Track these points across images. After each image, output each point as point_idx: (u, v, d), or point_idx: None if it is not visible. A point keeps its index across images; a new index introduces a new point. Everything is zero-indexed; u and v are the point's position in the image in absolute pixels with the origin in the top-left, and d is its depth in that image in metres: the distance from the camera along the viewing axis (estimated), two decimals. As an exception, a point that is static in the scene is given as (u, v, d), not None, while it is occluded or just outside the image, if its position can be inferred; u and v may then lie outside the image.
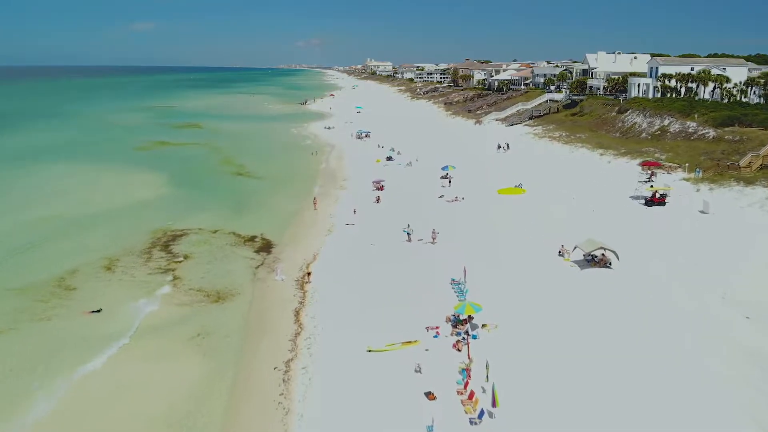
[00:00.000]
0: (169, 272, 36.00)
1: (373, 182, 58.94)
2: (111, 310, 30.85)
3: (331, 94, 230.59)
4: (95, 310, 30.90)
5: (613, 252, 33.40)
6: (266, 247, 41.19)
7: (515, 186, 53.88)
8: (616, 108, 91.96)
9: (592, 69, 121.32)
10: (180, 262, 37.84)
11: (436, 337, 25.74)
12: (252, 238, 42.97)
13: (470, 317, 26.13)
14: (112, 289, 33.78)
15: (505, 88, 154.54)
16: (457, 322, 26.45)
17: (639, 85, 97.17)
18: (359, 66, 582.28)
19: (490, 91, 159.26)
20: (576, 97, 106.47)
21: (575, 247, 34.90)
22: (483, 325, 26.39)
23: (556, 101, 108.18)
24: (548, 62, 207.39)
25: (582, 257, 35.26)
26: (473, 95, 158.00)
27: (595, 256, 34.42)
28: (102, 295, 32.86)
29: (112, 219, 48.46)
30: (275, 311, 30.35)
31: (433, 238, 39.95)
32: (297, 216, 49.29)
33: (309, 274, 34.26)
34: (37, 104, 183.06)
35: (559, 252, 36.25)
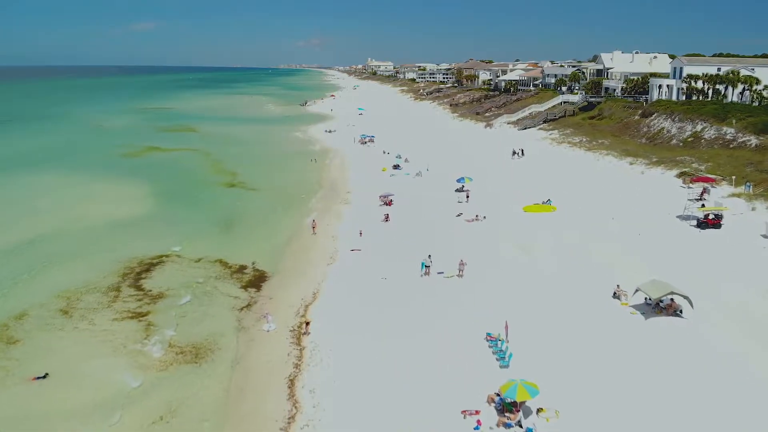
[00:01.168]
0: (137, 318, 29.49)
1: (380, 197, 52.45)
2: (59, 376, 24.40)
3: (332, 95, 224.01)
4: (40, 375, 24.47)
5: (686, 298, 26.91)
6: (257, 280, 34.68)
7: (543, 203, 47.38)
8: (639, 111, 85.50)
9: (608, 69, 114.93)
10: (152, 302, 31.36)
11: (477, 429, 19.24)
12: (241, 269, 36.43)
13: (523, 402, 19.65)
14: (66, 343, 27.30)
15: (512, 89, 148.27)
16: (504, 406, 19.91)
17: (661, 86, 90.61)
18: (360, 66, 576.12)
19: (497, 92, 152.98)
20: (593, 99, 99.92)
21: (637, 290, 28.40)
22: (539, 410, 19.91)
23: (572, 103, 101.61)
24: (552, 62, 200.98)
25: (643, 300, 28.80)
26: (480, 96, 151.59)
27: (662, 301, 27.92)
28: (52, 351, 26.41)
29: (80, 242, 41.94)
30: (263, 379, 23.82)
31: (460, 271, 33.45)
32: (294, 239, 42.78)
33: (307, 324, 27.70)
34: (26, 106, 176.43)
35: (615, 293, 29.76)
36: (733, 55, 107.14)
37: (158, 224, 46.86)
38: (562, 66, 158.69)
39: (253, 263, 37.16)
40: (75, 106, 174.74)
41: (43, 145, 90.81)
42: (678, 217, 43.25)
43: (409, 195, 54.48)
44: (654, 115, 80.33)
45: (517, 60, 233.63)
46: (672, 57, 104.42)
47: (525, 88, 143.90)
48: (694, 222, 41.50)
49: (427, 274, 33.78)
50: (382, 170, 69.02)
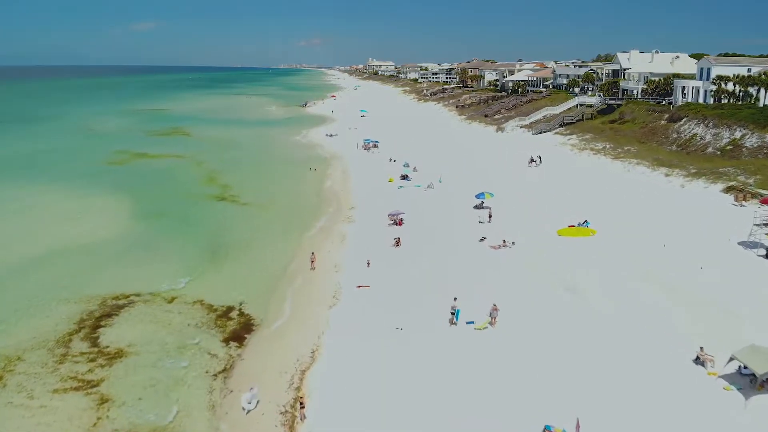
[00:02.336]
0: (85, 389, 23.09)
1: (389, 215, 46.08)
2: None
3: (333, 96, 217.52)
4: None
5: (802, 372, 20.52)
6: (243, 330, 28.27)
7: (579, 224, 40.96)
8: (666, 115, 79.01)
9: (625, 69, 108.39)
10: (108, 363, 24.97)
11: None
12: (225, 314, 30.00)
13: None
14: (-12, 427, 20.95)
15: (520, 90, 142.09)
16: None
17: (687, 88, 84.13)
18: (360, 66, 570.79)
19: (504, 93, 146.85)
20: (613, 101, 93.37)
21: (731, 359, 22.01)
22: None
23: (590, 106, 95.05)
24: (556, 62, 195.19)
25: (736, 368, 22.42)
26: (487, 97, 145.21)
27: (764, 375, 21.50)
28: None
29: (34, 275, 35.45)
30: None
31: (493, 320, 27.09)
32: (290, 271, 36.31)
33: (302, 405, 21.17)
34: (18, 107, 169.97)
35: (697, 358, 23.37)
36: (764, 56, 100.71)
37: (132, 251, 40.43)
38: (574, 66, 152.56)
39: (240, 305, 30.79)
40: (69, 107, 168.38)
41: (25, 151, 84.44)
42: (741, 244, 36.80)
43: (421, 212, 48.08)
44: (683, 120, 73.84)
45: (520, 60, 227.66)
46: (697, 57, 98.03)
47: (534, 89, 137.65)
48: (763, 251, 35.06)
49: (453, 323, 27.39)
50: (389, 181, 62.67)
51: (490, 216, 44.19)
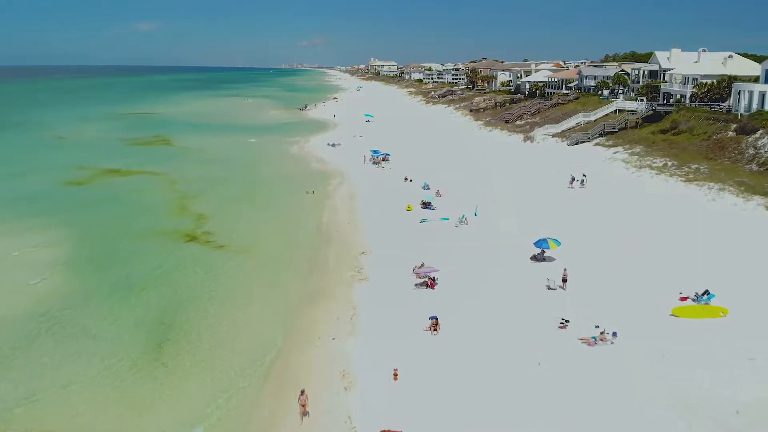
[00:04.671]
0: None
1: (415, 271, 33.25)
2: None
3: (335, 98, 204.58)
4: None
5: None
6: None
7: (698, 297, 28.05)
8: (733, 125, 66.02)
9: (666, 70, 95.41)
10: None
11: None
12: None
13: None
14: None
15: (538, 92, 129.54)
16: None
17: (750, 93, 71.15)
18: (362, 66, 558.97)
19: (520, 96, 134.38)
20: (661, 107, 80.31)
21: None
22: None
23: (633, 112, 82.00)
24: (564, 62, 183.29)
25: None
26: (503, 100, 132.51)
27: None
28: None
29: None
30: None
31: None
32: (266, 418, 23.11)
33: None
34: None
35: None
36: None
37: (40, 339, 27.48)
38: (598, 65, 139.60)
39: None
40: (47, 111, 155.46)
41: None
42: None
43: (457, 263, 35.15)
44: (759, 132, 60.90)
45: (525, 59, 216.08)
46: (760, 59, 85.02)
47: (556, 91, 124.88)
48: None
49: None
50: (407, 209, 49.84)
51: (565, 280, 30.98)
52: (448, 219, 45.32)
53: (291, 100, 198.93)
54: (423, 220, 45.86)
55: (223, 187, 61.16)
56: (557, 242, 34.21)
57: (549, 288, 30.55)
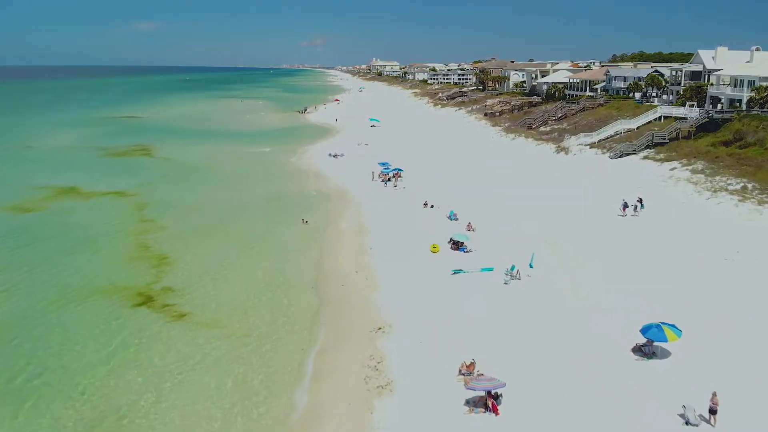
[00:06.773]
0: None
1: (467, 385, 21.70)
2: None
3: (336, 99, 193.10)
4: None
5: None
6: None
7: None
8: (818, 136, 54.69)
9: (711, 71, 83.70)
10: None
11: None
12: None
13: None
14: None
15: (558, 94, 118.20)
16: None
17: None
18: (364, 66, 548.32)
19: (536, 98, 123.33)
20: (720, 114, 68.68)
21: None
22: None
23: (684, 119, 70.32)
24: (572, 62, 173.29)
25: None
26: (521, 103, 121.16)
27: None
28: None
29: None
30: None
31: None
32: None
33: None
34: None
35: None
36: None
37: None
38: (635, 65, 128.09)
39: None
40: (26, 115, 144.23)
41: None
42: None
43: (523, 362, 23.59)
44: None
45: (530, 59, 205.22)
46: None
47: (578, 93, 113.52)
48: None
49: None
50: (432, 250, 38.36)
51: (713, 411, 19.31)
52: (491, 270, 33.78)
53: (290, 102, 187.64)
54: (456, 271, 34.32)
55: (199, 214, 49.62)
56: (676, 331, 22.60)
57: (688, 424, 18.94)
